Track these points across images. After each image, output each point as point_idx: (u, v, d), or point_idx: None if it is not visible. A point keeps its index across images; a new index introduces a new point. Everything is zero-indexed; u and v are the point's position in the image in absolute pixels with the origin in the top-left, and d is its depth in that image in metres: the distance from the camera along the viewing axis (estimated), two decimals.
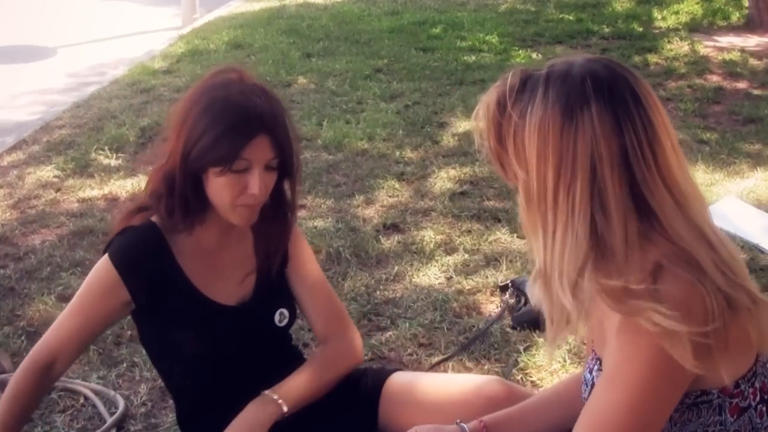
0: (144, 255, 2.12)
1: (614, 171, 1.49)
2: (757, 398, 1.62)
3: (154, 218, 2.15)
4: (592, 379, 1.77)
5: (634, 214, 1.52)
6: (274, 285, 2.30)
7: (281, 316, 2.29)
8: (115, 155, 5.46)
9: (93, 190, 4.95)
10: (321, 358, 2.34)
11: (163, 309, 2.15)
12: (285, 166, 2.10)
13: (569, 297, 1.53)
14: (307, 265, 2.36)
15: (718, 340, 1.47)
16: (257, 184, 2.01)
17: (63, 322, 2.16)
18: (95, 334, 2.22)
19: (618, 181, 1.50)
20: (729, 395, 1.59)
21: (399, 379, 2.38)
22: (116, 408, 2.99)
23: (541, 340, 3.35)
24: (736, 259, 1.57)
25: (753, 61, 7.71)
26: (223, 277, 2.22)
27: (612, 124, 1.49)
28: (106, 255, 2.11)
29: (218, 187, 2.02)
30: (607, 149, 1.49)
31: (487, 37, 8.60)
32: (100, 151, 5.54)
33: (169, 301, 2.15)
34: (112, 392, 3.05)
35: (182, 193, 2.04)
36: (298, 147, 2.18)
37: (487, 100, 1.64)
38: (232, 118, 1.98)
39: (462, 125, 6.04)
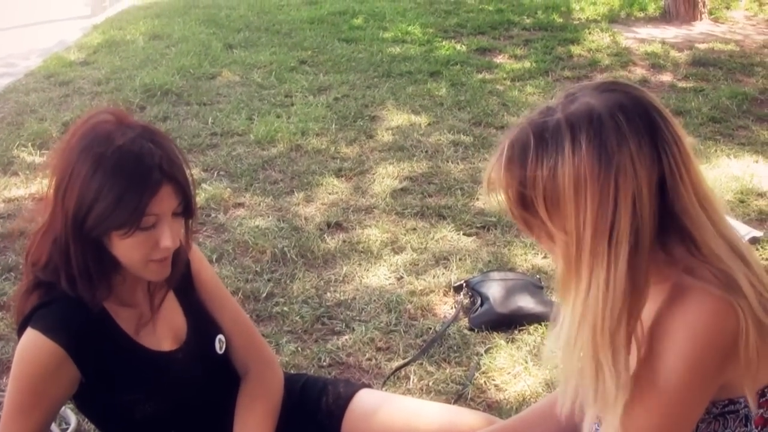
0: (86, 323, 1.86)
1: (651, 203, 1.41)
2: None
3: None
4: None
5: (660, 243, 1.46)
6: (200, 314, 2.15)
7: (220, 343, 2.14)
8: (38, 152, 5.23)
9: (19, 189, 4.74)
10: (261, 405, 2.18)
11: (112, 376, 1.94)
12: (188, 207, 1.89)
13: (609, 352, 1.44)
14: (212, 284, 2.20)
15: (745, 356, 1.44)
16: (169, 236, 1.82)
17: (18, 425, 1.88)
18: (50, 425, 1.97)
19: (653, 213, 1.41)
20: (755, 405, 1.55)
21: (364, 402, 2.28)
22: (68, 424, 2.86)
23: (501, 341, 3.32)
24: (765, 273, 1.53)
25: (674, 53, 7.82)
26: (156, 321, 2.04)
27: (651, 155, 1.41)
28: (40, 334, 1.81)
29: (125, 248, 1.81)
30: (648, 182, 1.40)
31: (409, 28, 8.54)
32: (23, 148, 5.32)
33: (117, 365, 1.94)
34: (62, 406, 2.90)
35: (82, 263, 1.81)
36: (192, 177, 1.93)
37: (497, 169, 1.50)
38: (128, 174, 1.75)
39: (394, 119, 5.98)
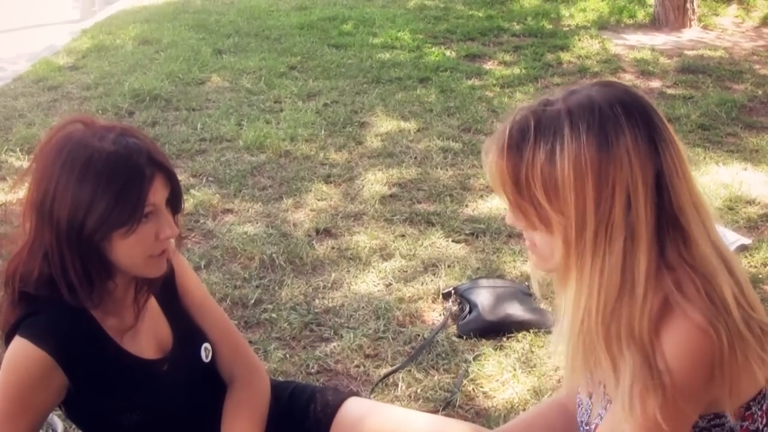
0: (74, 330, 1.87)
1: (647, 198, 1.42)
2: (764, 420, 1.59)
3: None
4: (589, 401, 1.72)
5: (658, 243, 1.45)
6: (185, 322, 2.14)
7: (206, 352, 2.13)
8: (26, 157, 5.20)
9: (7, 195, 4.70)
10: (248, 413, 2.16)
11: (100, 383, 1.93)
12: (176, 194, 1.91)
13: (602, 342, 1.46)
14: (197, 291, 2.20)
15: (721, 378, 1.45)
16: (168, 224, 1.85)
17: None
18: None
19: (650, 209, 1.43)
20: (741, 418, 1.56)
21: (352, 410, 2.26)
22: (54, 430, 2.82)
23: (490, 348, 3.32)
24: (749, 284, 1.53)
25: (663, 60, 7.83)
26: (141, 329, 2.03)
27: (647, 149, 1.43)
28: (28, 342, 1.81)
29: (129, 247, 1.82)
30: (642, 176, 1.41)
31: (399, 34, 8.53)
32: (11, 153, 5.30)
33: (105, 373, 1.94)
34: (49, 414, 2.88)
35: (81, 272, 1.81)
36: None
37: (495, 149, 1.52)
38: (122, 172, 1.77)
39: (383, 125, 5.97)
